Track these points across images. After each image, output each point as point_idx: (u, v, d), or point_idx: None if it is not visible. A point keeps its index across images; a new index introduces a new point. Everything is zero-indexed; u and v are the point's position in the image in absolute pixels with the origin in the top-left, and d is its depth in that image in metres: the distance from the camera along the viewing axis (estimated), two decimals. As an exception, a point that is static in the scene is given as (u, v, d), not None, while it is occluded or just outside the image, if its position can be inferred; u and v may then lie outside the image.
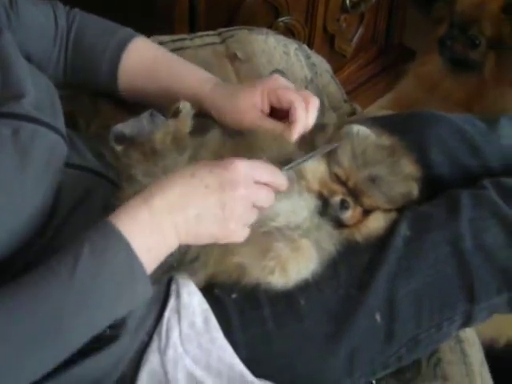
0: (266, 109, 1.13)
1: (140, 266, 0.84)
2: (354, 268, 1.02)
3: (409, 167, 1.05)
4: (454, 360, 1.13)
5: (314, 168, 1.01)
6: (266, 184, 0.93)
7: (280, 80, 1.15)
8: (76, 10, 1.23)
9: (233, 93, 1.15)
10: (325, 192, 1.01)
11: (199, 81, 1.19)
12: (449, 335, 1.06)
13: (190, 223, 0.88)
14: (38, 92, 1.01)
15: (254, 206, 0.92)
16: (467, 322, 1.04)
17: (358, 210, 1.02)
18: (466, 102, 2.08)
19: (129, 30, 1.24)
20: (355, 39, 2.30)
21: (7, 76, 0.99)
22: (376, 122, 1.14)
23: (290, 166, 0.97)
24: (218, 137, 1.08)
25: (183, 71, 1.22)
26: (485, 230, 1.03)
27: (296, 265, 0.95)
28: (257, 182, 0.92)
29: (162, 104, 1.17)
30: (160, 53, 1.25)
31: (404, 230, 1.03)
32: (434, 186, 1.13)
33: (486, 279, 1.01)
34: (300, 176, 1.00)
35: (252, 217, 0.93)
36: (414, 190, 1.05)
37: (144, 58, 1.22)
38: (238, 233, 0.92)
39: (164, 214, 0.87)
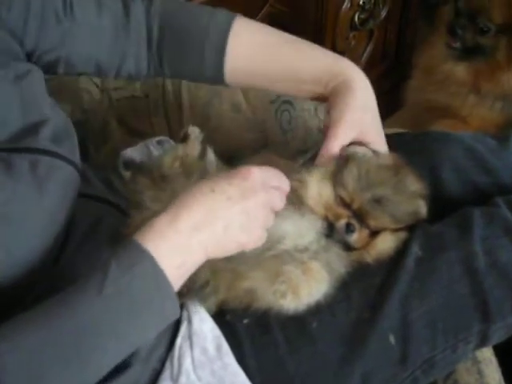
0: None
1: (167, 282, 0.83)
2: (365, 290, 1.00)
3: (414, 185, 1.04)
4: (471, 381, 1.11)
5: (319, 192, 1.01)
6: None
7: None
8: None
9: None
10: (330, 216, 1.00)
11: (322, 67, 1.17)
12: (465, 356, 1.05)
13: (218, 236, 0.88)
14: (56, 125, 1.02)
15: (272, 209, 0.93)
16: (483, 341, 1.02)
17: (365, 232, 1.01)
18: (474, 84, 2.07)
19: (225, 12, 1.16)
20: (365, 56, 2.30)
21: (29, 113, 1.00)
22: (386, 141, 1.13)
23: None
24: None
25: (305, 50, 1.20)
26: (498, 249, 1.01)
27: (308, 287, 0.94)
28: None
29: (280, 89, 1.15)
30: (272, 33, 1.20)
31: (416, 250, 1.02)
32: (446, 205, 1.12)
33: (500, 298, 1.00)
34: (304, 200, 1.00)
35: (271, 220, 0.93)
36: (421, 207, 1.04)
37: (255, 40, 1.16)
38: (261, 238, 0.92)
39: (191, 233, 0.86)
